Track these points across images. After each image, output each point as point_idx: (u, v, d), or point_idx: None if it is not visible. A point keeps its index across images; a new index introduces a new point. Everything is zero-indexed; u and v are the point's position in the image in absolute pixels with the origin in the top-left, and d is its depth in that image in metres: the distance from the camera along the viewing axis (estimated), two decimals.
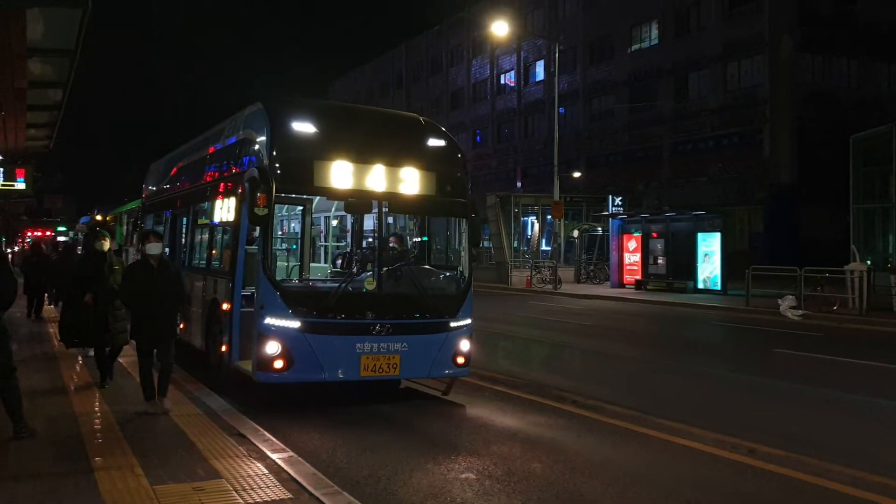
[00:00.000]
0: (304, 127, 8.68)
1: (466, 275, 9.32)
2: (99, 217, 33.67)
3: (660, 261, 28.36)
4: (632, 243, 29.49)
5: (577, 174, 42.36)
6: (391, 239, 9.44)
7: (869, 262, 21.03)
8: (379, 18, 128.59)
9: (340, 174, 8.44)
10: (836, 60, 37.38)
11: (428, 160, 9.08)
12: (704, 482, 6.36)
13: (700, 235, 26.84)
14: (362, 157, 8.57)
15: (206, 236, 11.45)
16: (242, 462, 6.08)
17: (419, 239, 10.46)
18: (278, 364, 8.05)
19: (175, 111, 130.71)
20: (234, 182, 9.53)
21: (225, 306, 9.36)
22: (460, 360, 8.88)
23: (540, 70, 51.05)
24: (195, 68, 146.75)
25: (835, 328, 17.74)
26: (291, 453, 6.32)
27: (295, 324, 8.12)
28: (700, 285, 26.63)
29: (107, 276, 8.90)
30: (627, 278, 29.55)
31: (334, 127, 9.07)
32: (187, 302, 11.17)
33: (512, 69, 53.82)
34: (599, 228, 33.87)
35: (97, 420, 7.45)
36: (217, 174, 10.92)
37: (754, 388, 10.56)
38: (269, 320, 8.12)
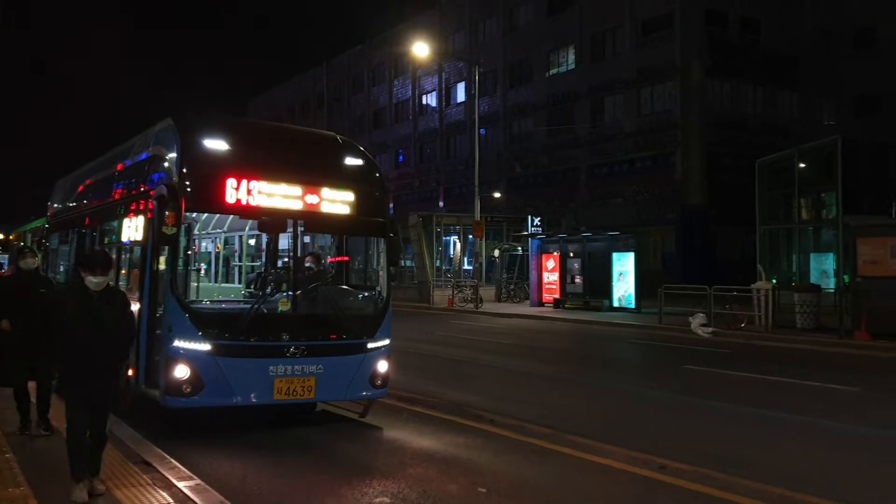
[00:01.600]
0: (215, 144, 8.48)
1: (384, 295, 9.20)
2: (1, 236, 32.26)
3: (577, 280, 28.90)
4: (550, 263, 29.96)
5: (497, 195, 42.87)
6: (307, 258, 9.32)
7: (774, 281, 21.88)
8: (301, 36, 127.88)
9: (253, 192, 8.22)
10: (743, 87, 39.05)
11: (345, 179, 8.96)
12: (617, 499, 6.46)
13: (615, 255, 27.48)
14: (277, 175, 8.38)
15: (113, 256, 11.08)
16: (146, 491, 5.87)
17: (336, 258, 10.32)
18: (187, 388, 7.76)
19: (86, 128, 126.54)
20: (143, 200, 9.23)
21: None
22: (378, 381, 8.75)
23: (461, 92, 51.60)
24: (110, 84, 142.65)
25: (743, 344, 18.38)
26: (199, 481, 6.13)
27: (205, 346, 7.83)
28: (616, 303, 27.23)
29: (35, 298, 7.65)
30: (546, 297, 29.99)
31: (247, 144, 8.87)
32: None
33: (433, 90, 54.22)
34: (520, 248, 34.30)
35: None
36: (125, 192, 10.57)
37: (665, 405, 10.81)
38: (177, 343, 7.83)
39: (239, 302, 9.80)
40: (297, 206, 8.47)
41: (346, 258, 10.28)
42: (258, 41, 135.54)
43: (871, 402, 11.28)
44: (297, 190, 8.47)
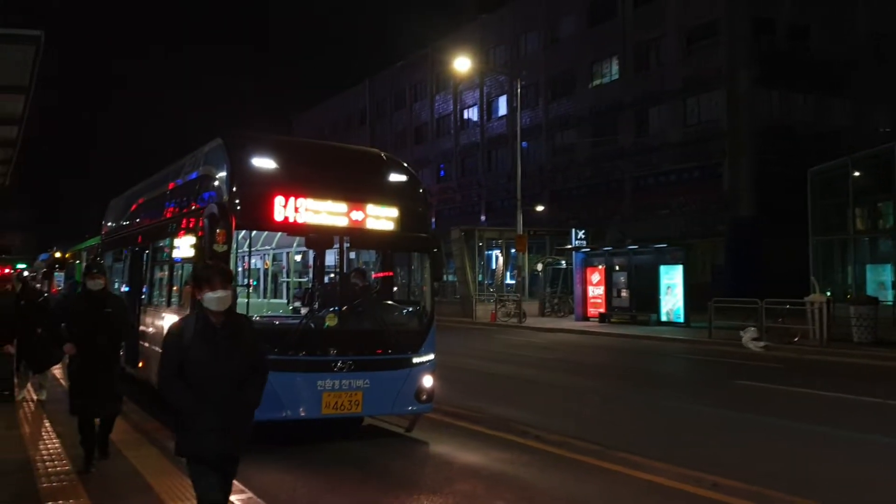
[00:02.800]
0: (263, 162, 8.60)
1: (429, 310, 9.26)
2: (58, 254, 33.07)
3: (623, 293, 28.55)
4: (595, 276, 29.67)
5: (540, 208, 42.68)
6: (353, 274, 9.39)
7: (829, 294, 21.36)
8: (342, 54, 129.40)
9: (301, 210, 8.35)
10: (792, 95, 38.28)
11: (389, 195, 9.04)
12: None
13: (662, 268, 27.10)
14: (323, 193, 8.50)
15: (165, 273, 11.28)
16: None
17: (381, 274, 10.39)
18: None
19: (138, 148, 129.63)
20: (194, 218, 9.39)
21: None
22: (423, 396, 8.76)
23: (503, 105, 51.60)
24: (159, 107, 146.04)
25: (796, 359, 17.93)
26: (251, 494, 6.17)
27: None
28: (663, 318, 26.82)
29: (102, 320, 7.22)
30: (591, 311, 29.68)
31: (295, 162, 8.99)
32: (146, 340, 10.96)
33: (475, 104, 54.33)
34: (563, 262, 34.06)
35: (52, 462, 7.21)
36: (177, 210, 10.78)
37: (717, 421, 10.57)
38: None
39: (287, 317, 9.93)
40: (342, 222, 8.58)
41: (390, 273, 10.35)
42: (301, 60, 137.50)
43: None
44: (342, 207, 8.57)
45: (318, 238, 8.72)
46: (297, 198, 8.32)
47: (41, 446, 7.92)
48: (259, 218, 8.40)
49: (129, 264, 13.31)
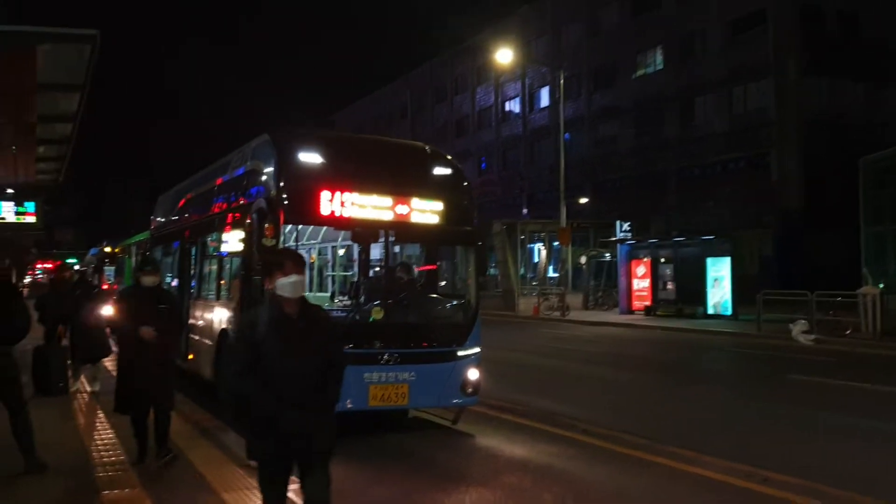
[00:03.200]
0: (310, 157, 8.68)
1: (474, 303, 9.30)
2: (108, 249, 33.81)
3: (669, 286, 28.22)
4: (640, 269, 29.38)
5: (583, 200, 42.37)
6: (398, 268, 9.45)
7: (881, 286, 20.84)
8: (383, 50, 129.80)
9: (347, 204, 8.43)
10: (842, 83, 37.39)
11: (434, 189, 9.09)
12: None
13: (709, 260, 26.72)
14: (369, 187, 8.56)
15: (214, 267, 11.46)
16: (253, 495, 5.95)
17: (425, 267, 10.42)
18: None
19: (182, 144, 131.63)
20: (242, 213, 9.52)
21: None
22: (469, 388, 8.80)
23: (545, 96, 51.30)
24: (198, 104, 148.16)
25: (848, 353, 17.55)
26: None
27: None
28: (710, 310, 26.45)
29: (155, 317, 7.08)
30: (637, 304, 29.40)
31: (340, 157, 9.04)
32: (196, 333, 11.18)
33: (516, 96, 54.11)
34: (607, 254, 33.78)
35: (107, 453, 7.38)
36: (225, 205, 10.94)
37: (768, 416, 10.41)
38: None
39: (333, 311, 9.96)
40: (387, 216, 8.63)
41: (433, 267, 10.39)
42: (342, 56, 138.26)
43: None
44: (387, 201, 8.62)
45: (363, 232, 8.80)
46: (342, 192, 8.39)
47: (96, 437, 8.10)
48: (306, 212, 8.48)
49: (177, 258, 13.52)
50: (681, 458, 7.62)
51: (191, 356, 11.17)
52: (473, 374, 8.84)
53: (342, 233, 11.26)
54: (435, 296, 9.91)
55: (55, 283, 12.10)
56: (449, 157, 9.88)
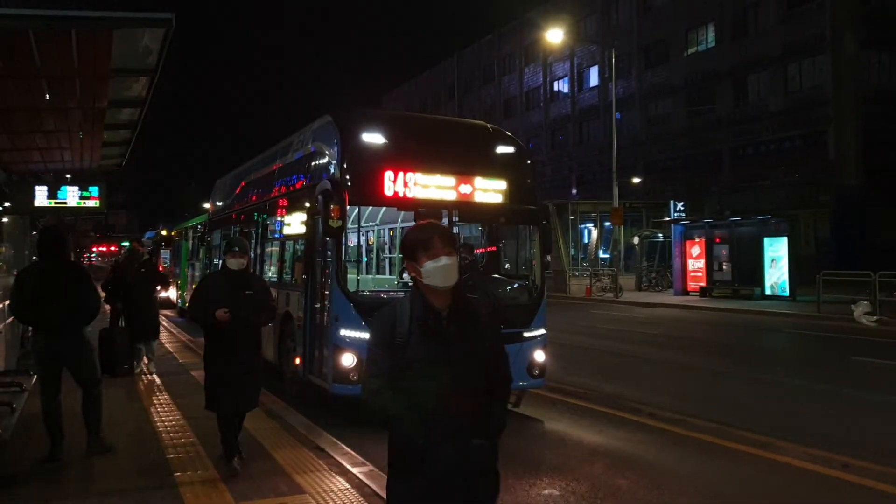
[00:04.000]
0: (373, 138, 8.66)
1: (539, 284, 9.20)
2: (164, 232, 34.40)
3: (724, 267, 27.75)
4: (695, 249, 28.92)
5: (636, 180, 41.80)
6: (461, 249, 9.41)
7: None
8: (431, 30, 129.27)
9: (410, 184, 8.42)
10: None
11: (497, 167, 9.02)
12: (800, 498, 6.12)
13: (766, 240, 26.19)
14: (431, 167, 8.53)
15: (275, 249, 11.56)
16: (324, 477, 6.05)
17: (487, 248, 10.39)
18: (354, 376, 8.02)
19: (232, 131, 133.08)
20: (305, 195, 9.59)
21: (298, 319, 9.40)
22: (535, 371, 8.75)
23: (594, 76, 50.62)
24: (248, 91, 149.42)
25: None
26: (372, 467, 6.25)
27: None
28: (768, 291, 25.97)
29: (241, 305, 6.41)
30: (691, 285, 28.99)
31: (402, 137, 8.99)
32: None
33: (565, 76, 53.46)
34: (660, 234, 33.31)
35: (176, 434, 7.49)
36: (286, 188, 11.01)
37: (837, 399, 10.18)
38: (343, 332, 8.12)
39: (397, 291, 9.99)
40: (451, 196, 8.60)
41: (494, 249, 10.33)
42: (391, 37, 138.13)
43: None
44: (450, 180, 8.59)
45: (427, 212, 8.61)
46: (406, 172, 8.38)
47: (165, 417, 8.25)
48: (370, 193, 8.46)
49: None
50: (755, 443, 7.49)
51: None
52: (540, 356, 8.78)
53: (402, 214, 11.28)
54: (500, 276, 9.83)
55: (123, 264, 12.30)
56: (511, 135, 9.79)
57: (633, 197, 39.08)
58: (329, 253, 8.55)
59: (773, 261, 25.98)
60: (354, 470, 6.19)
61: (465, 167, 8.71)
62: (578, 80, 52.20)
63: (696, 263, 28.95)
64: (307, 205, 9.34)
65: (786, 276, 25.58)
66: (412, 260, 3.11)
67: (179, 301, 24.61)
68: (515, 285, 9.72)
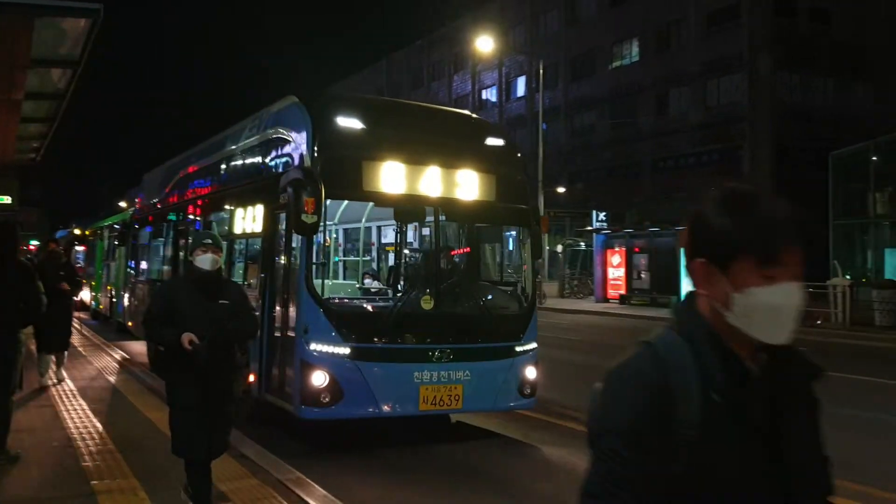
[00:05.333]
0: (349, 123, 7.65)
1: (530, 291, 8.40)
2: (77, 231, 33.15)
3: (643, 275, 28.58)
4: (615, 258, 29.68)
5: (560, 189, 42.59)
6: (441, 252, 8.33)
7: (849, 277, 21.32)
8: (360, 33, 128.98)
9: (393, 177, 7.44)
10: (813, 79, 37.99)
11: (486, 161, 8.06)
12: None
13: (683, 250, 26.99)
14: (416, 158, 7.57)
15: (231, 249, 10.11)
16: (250, 482, 5.80)
17: (461, 251, 9.25)
18: (326, 397, 6.95)
19: (147, 130, 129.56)
20: (263, 187, 8.43)
21: None
22: (527, 389, 7.87)
23: (521, 86, 51.36)
24: (166, 94, 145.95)
25: (820, 342, 17.88)
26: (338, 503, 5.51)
27: (344, 350, 7.03)
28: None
29: (217, 318, 5.04)
30: (611, 293, 29.73)
31: (381, 123, 8.02)
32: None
33: (493, 85, 54.09)
34: (582, 243, 34.03)
35: (93, 441, 7.06)
36: (237, 179, 9.85)
37: None
38: (315, 346, 7.00)
39: (372, 299, 8.84)
40: (437, 192, 7.63)
41: (469, 249, 9.20)
42: (320, 38, 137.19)
43: None
44: (436, 174, 7.64)
45: (409, 209, 7.79)
46: (388, 163, 7.45)
47: (80, 424, 7.77)
48: (347, 186, 7.44)
49: (172, 241, 12.43)
50: None
51: None
52: (532, 372, 7.91)
53: (365, 212, 10.33)
54: (487, 283, 9.09)
55: (40, 267, 11.12)
56: (500, 127, 8.92)
57: (558, 206, 39.81)
58: (294, 253, 7.55)
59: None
60: None
61: (452, 160, 7.75)
62: (506, 89, 52.88)
63: (616, 272, 29.70)
64: (265, 198, 8.24)
65: None
66: (719, 267, 1.60)
67: (94, 303, 23.77)
68: (506, 293, 8.80)
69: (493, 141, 8.46)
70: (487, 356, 7.62)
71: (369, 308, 8.13)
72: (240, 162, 9.85)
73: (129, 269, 16.80)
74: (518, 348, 7.85)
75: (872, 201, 23.69)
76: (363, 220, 10.75)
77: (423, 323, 7.45)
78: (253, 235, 8.73)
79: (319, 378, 6.95)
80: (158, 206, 14.12)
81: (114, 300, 20.22)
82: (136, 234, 15.72)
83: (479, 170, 7.89)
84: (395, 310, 7.47)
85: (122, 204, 41.22)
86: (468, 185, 7.79)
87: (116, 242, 20.22)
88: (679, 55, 39.75)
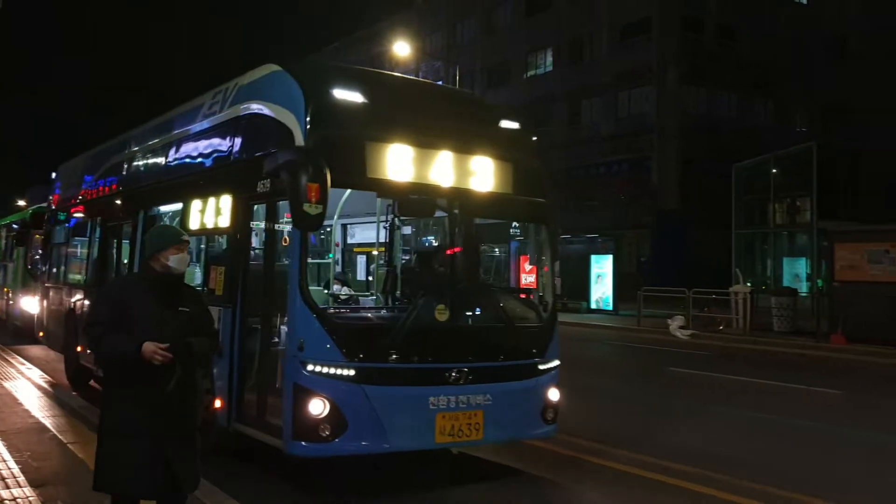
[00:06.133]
0: (349, 96, 6.39)
1: (549, 300, 7.21)
2: None
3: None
4: (528, 264, 30.10)
5: None
6: (440, 254, 7.38)
7: (750, 284, 22.23)
8: (272, 35, 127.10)
9: (400, 162, 6.27)
10: (718, 93, 39.57)
11: (503, 147, 6.98)
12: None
13: (593, 257, 27.76)
14: (427, 141, 6.45)
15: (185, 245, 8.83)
16: None
17: (453, 250, 7.71)
18: (325, 430, 5.71)
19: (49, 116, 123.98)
20: (233, 174, 7.13)
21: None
22: (549, 414, 6.80)
23: None
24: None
25: (722, 347, 18.63)
26: None
27: (349, 371, 5.81)
28: (593, 305, 27.49)
29: (177, 330, 4.17)
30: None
31: (385, 99, 6.79)
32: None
33: None
34: (496, 249, 34.35)
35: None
36: (197, 166, 8.24)
37: (654, 407, 10.86)
38: (313, 366, 5.74)
39: (370, 309, 7.74)
40: (450, 181, 6.50)
41: (458, 249, 7.50)
42: (226, 39, 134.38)
43: (860, 405, 11.44)
44: (450, 160, 6.52)
45: (418, 202, 6.74)
46: (394, 146, 6.28)
47: None
48: (346, 171, 6.06)
49: (102, 240, 10.71)
50: (585, 450, 7.87)
51: None
52: (554, 394, 6.87)
53: (338, 207, 8.76)
54: (503, 288, 8.04)
55: None
56: (512, 108, 7.75)
57: None
58: (277, 253, 6.53)
59: (598, 277, 27.55)
60: None
61: (467, 144, 6.66)
62: None
63: (528, 278, 30.02)
64: (234, 187, 6.94)
65: (610, 292, 27.18)
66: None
67: None
68: (525, 301, 7.68)
69: (507, 123, 7.32)
70: (510, 376, 6.53)
71: (376, 320, 7.05)
72: (198, 144, 8.31)
73: (41, 271, 14.85)
74: (541, 366, 6.78)
75: (772, 212, 24.74)
76: (335, 215, 9.01)
77: (439, 337, 6.31)
78: (217, 231, 7.35)
79: (318, 406, 5.71)
80: (84, 200, 12.21)
81: (10, 303, 19.46)
82: (54, 232, 13.87)
83: (496, 156, 6.80)
84: (407, 322, 6.20)
85: (22, 203, 39.30)
86: (484, 175, 6.69)
87: (15, 242, 19.34)
88: (591, 66, 40.73)
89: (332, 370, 5.78)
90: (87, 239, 11.66)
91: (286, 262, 6.40)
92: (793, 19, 41.33)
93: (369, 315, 7.34)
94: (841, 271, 18.22)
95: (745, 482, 6.77)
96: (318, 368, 5.76)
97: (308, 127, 6.07)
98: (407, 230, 8.61)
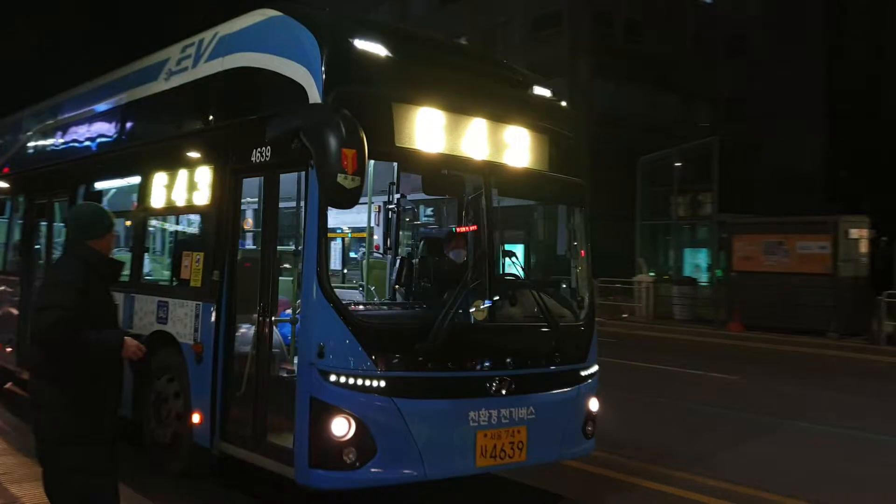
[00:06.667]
0: (372, 49, 5.31)
1: (587, 295, 6.27)
2: None
3: None
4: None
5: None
6: (453, 241, 6.37)
7: (652, 274, 23.02)
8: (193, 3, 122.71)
9: (432, 129, 5.28)
10: (626, 87, 40.59)
11: (538, 117, 6.07)
12: None
13: (506, 246, 28.14)
14: (461, 107, 5.49)
15: (139, 229, 7.24)
16: None
17: (465, 228, 6.75)
18: (350, 455, 4.68)
19: None
20: (216, 141, 6.11)
21: (195, 349, 5.76)
22: (589, 427, 5.90)
23: None
24: None
25: (627, 334, 19.22)
26: None
27: (379, 382, 4.79)
28: None
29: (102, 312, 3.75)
30: None
31: (411, 54, 5.73)
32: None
33: None
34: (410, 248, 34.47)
35: None
36: (169, 130, 7.13)
37: None
38: (336, 377, 4.71)
39: (389, 306, 6.38)
40: (485, 153, 5.55)
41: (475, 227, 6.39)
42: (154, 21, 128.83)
43: (754, 389, 12.02)
44: (483, 131, 5.57)
45: (446, 178, 5.85)
46: (425, 110, 5.28)
47: None
48: (373, 139, 4.83)
49: (48, 218, 8.94)
50: None
51: None
52: (594, 404, 5.97)
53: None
54: (540, 282, 7.40)
55: None
56: (539, 76, 6.78)
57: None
58: (271, 235, 5.45)
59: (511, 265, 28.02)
60: None
61: (501, 111, 5.73)
62: None
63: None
64: (217, 157, 5.92)
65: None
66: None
67: None
68: (565, 297, 6.52)
69: (540, 91, 6.38)
70: (555, 384, 5.64)
71: (407, 321, 5.67)
72: (164, 107, 7.14)
73: None
74: (583, 371, 5.89)
75: (675, 204, 25.62)
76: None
77: (478, 340, 5.30)
78: (190, 210, 6.32)
79: (342, 426, 4.67)
80: (29, 167, 10.12)
81: None
82: None
83: (533, 127, 5.91)
84: (445, 322, 5.04)
85: None
86: (520, 148, 5.79)
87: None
88: (505, 57, 40.58)
89: (361, 381, 4.74)
90: (43, 220, 9.17)
91: (291, 246, 5.51)
92: (696, 17, 42.81)
93: (402, 315, 6.00)
94: (739, 262, 19.10)
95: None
96: (343, 379, 4.71)
97: (325, 82, 5.01)
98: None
